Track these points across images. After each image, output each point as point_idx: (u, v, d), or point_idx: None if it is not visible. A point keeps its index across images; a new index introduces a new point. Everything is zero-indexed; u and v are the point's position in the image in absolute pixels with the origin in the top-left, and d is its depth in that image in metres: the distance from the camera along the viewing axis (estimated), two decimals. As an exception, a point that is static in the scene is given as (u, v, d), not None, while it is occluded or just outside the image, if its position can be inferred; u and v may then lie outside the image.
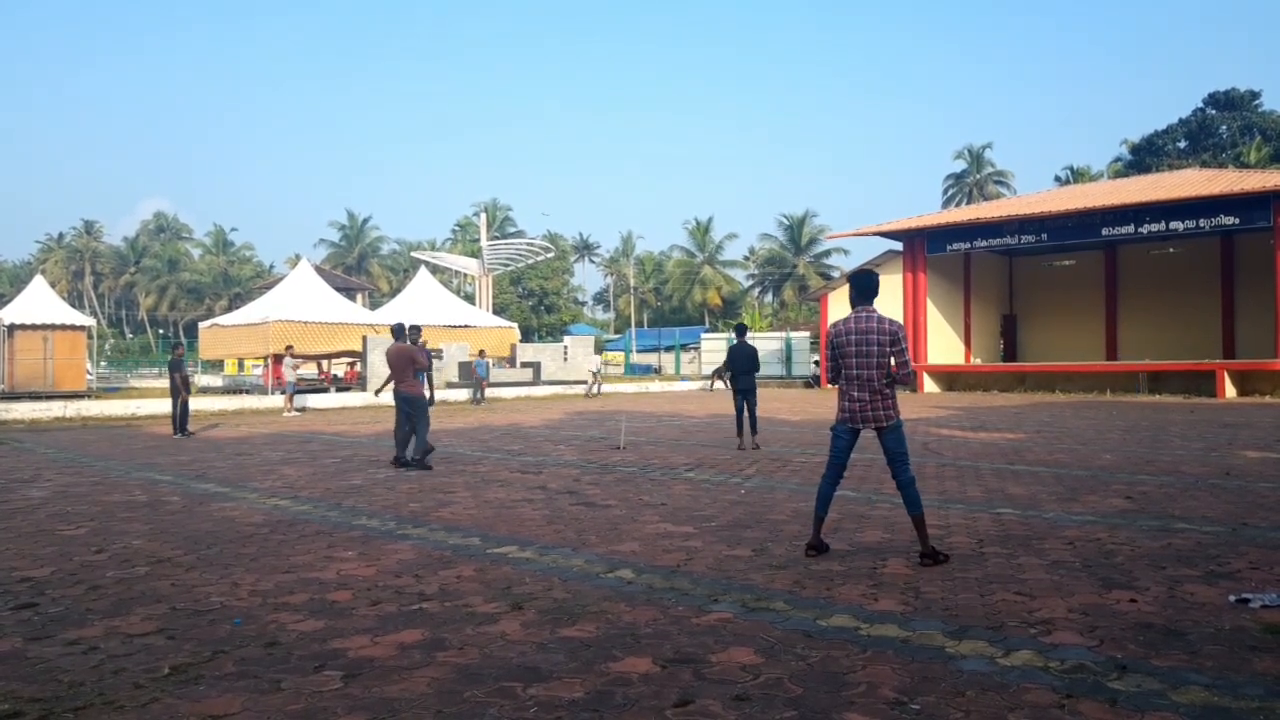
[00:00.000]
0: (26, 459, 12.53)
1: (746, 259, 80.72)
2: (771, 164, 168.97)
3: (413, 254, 65.46)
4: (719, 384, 37.06)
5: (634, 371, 52.72)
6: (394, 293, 57.76)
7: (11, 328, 25.84)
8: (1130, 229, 27.52)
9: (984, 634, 4.18)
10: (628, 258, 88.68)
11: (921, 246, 31.38)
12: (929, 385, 31.32)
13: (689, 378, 44.37)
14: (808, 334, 45.59)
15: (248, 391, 29.11)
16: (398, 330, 11.34)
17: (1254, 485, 8.68)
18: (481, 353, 28.43)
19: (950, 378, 32.09)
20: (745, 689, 3.53)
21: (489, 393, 27.71)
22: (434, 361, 13.75)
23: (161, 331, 76.39)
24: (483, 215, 53.62)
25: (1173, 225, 26.77)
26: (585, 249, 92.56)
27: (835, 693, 3.49)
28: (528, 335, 60.04)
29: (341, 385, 30.34)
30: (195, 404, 19.62)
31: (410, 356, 10.99)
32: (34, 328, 25.95)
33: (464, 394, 27.65)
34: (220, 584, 5.30)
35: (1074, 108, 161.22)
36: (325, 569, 5.64)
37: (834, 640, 4.13)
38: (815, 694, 3.47)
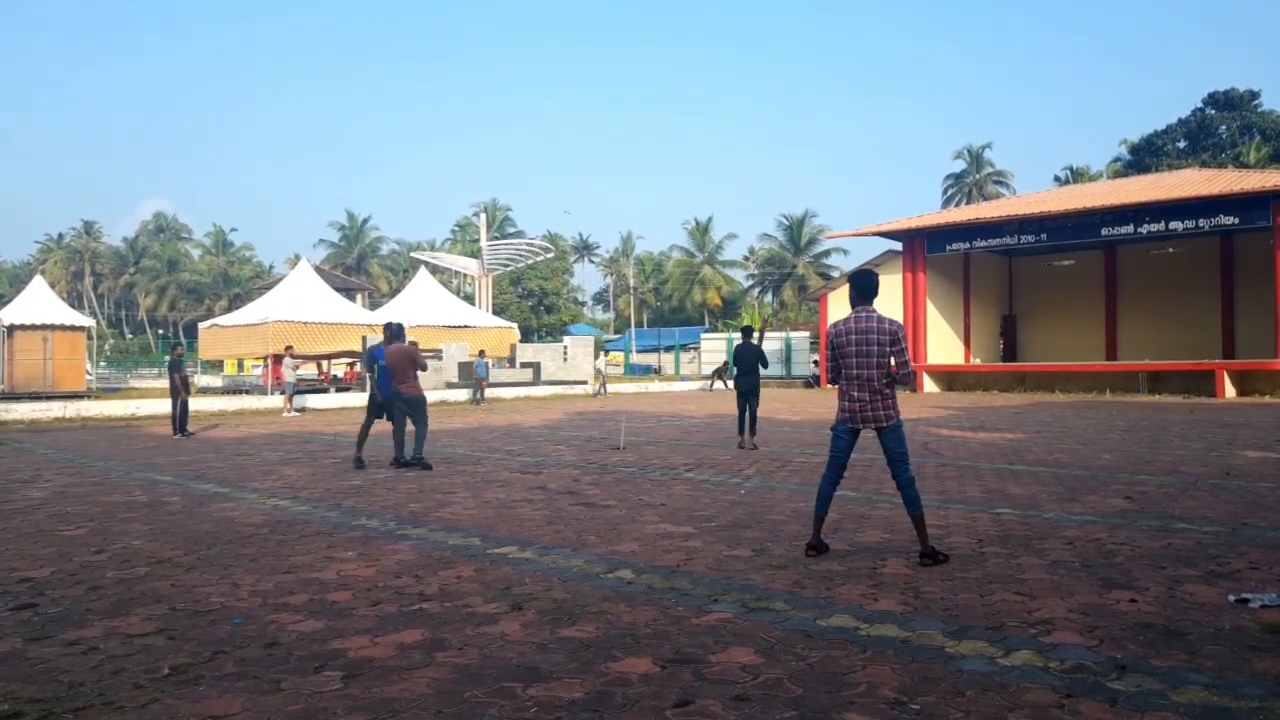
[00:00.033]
0: (26, 459, 12.53)
1: (746, 259, 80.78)
2: (771, 164, 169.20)
3: (412, 254, 65.45)
4: (719, 384, 37.17)
5: (633, 372, 52.74)
6: (394, 293, 57.73)
7: (11, 328, 25.84)
8: (1130, 229, 27.53)
9: (984, 634, 4.18)
10: (627, 258, 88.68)
11: (921, 246, 31.39)
12: (929, 385, 31.33)
13: (689, 378, 44.39)
14: (807, 334, 45.60)
15: (247, 392, 29.10)
16: (397, 330, 11.28)
17: (1254, 485, 8.68)
18: (481, 353, 28.42)
19: (950, 378, 32.09)
20: (745, 689, 3.53)
21: (489, 393, 27.71)
22: (430, 362, 13.75)
23: (161, 332, 76.36)
24: (482, 215, 53.65)
25: (1172, 225, 26.79)
26: (585, 249, 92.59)
27: (835, 693, 3.49)
28: (527, 335, 60.03)
29: (341, 385, 30.35)
30: (195, 404, 19.61)
31: (411, 356, 10.98)
32: (34, 328, 25.94)
33: (464, 394, 27.66)
34: (220, 584, 5.30)
35: (1074, 108, 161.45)
36: (325, 569, 5.64)
37: (834, 640, 4.13)
38: (815, 694, 3.47)
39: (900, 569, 5.47)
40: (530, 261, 52.24)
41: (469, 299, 47.20)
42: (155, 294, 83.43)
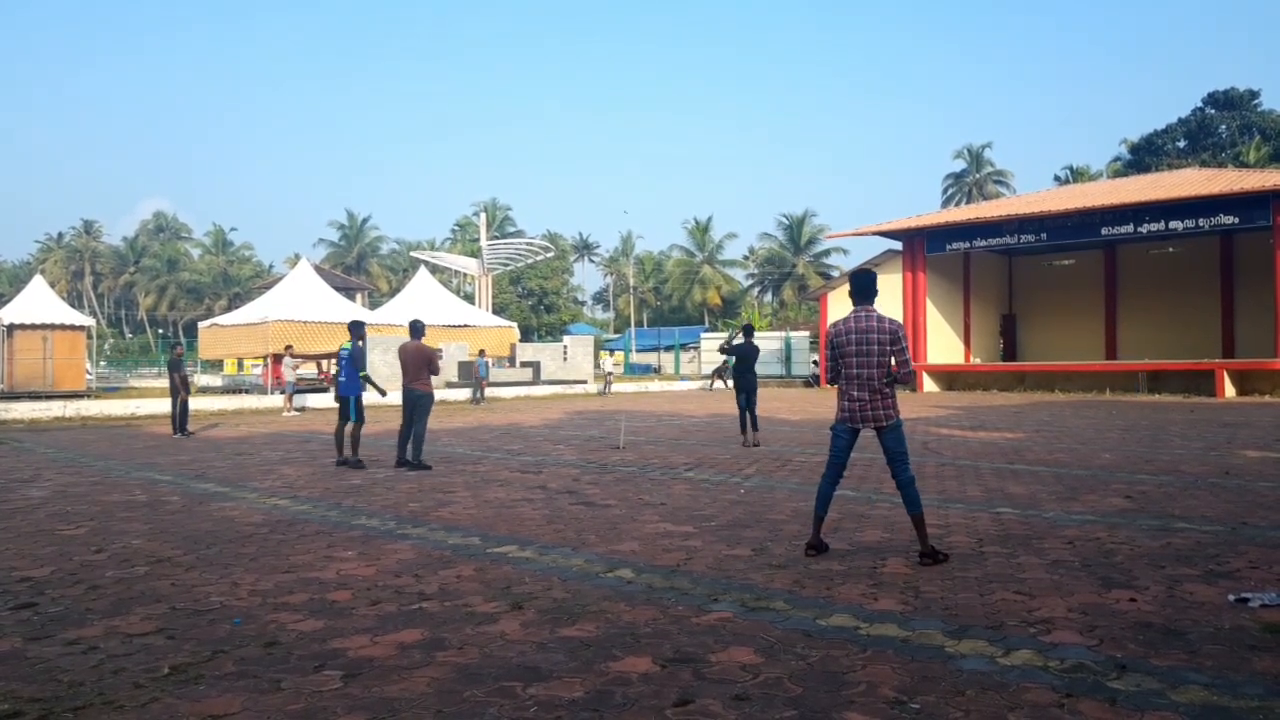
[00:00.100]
0: (26, 459, 12.53)
1: (746, 259, 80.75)
2: (771, 164, 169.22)
3: (412, 254, 65.43)
4: (719, 383, 37.18)
5: (633, 371, 52.71)
6: (393, 292, 57.74)
7: (11, 327, 25.84)
8: (1130, 228, 27.53)
9: (984, 633, 4.18)
10: (627, 257, 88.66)
11: (921, 246, 31.39)
12: (929, 385, 31.33)
13: (689, 377, 44.40)
14: (807, 333, 45.60)
15: (247, 391, 29.10)
16: (417, 328, 11.27)
17: (1253, 484, 8.68)
18: (481, 352, 28.43)
19: (950, 377, 32.09)
20: (745, 688, 3.53)
21: (488, 392, 27.73)
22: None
23: (161, 331, 76.39)
24: (482, 215, 53.63)
25: (1172, 225, 26.78)
26: (585, 249, 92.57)
27: (835, 692, 3.49)
28: (527, 335, 60.05)
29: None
30: (195, 404, 19.61)
31: (426, 356, 11.00)
32: (33, 327, 25.94)
33: (464, 393, 27.66)
34: (220, 584, 5.30)
35: (1074, 107, 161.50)
36: (325, 569, 5.64)
37: (834, 640, 4.13)
38: (815, 693, 3.47)
39: (900, 568, 5.47)
40: (530, 261, 52.24)
41: (469, 298, 47.21)
42: (155, 293, 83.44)
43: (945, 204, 69.81)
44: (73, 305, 42.00)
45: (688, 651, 3.98)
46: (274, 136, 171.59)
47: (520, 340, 37.24)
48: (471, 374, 27.67)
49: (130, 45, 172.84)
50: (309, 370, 33.27)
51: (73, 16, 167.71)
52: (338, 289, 36.77)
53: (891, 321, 5.69)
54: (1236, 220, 25.83)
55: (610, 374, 32.45)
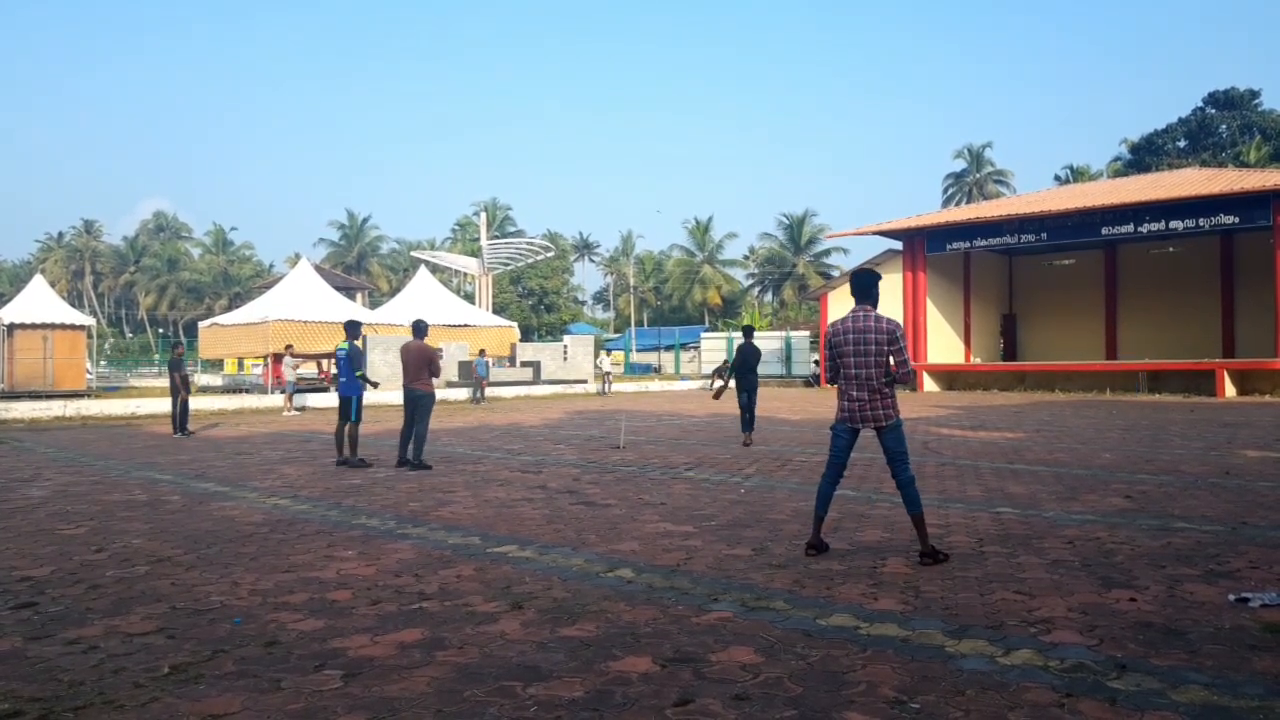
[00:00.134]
0: (26, 458, 12.53)
1: (746, 258, 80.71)
2: (771, 164, 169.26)
3: (412, 253, 65.44)
4: (719, 383, 37.09)
5: (634, 371, 52.69)
6: (394, 292, 57.76)
7: (11, 327, 25.84)
8: (1130, 228, 27.53)
9: (984, 633, 4.18)
10: (628, 257, 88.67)
11: (921, 246, 31.38)
12: (929, 384, 31.33)
13: (689, 377, 44.39)
14: (807, 333, 45.59)
15: (247, 391, 29.10)
16: (420, 328, 11.28)
17: (1253, 484, 8.68)
18: (481, 352, 28.43)
19: (950, 377, 32.09)
20: (745, 688, 3.53)
21: (489, 392, 27.73)
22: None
23: (161, 331, 76.41)
24: (482, 215, 53.61)
25: (1172, 224, 26.78)
26: (585, 248, 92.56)
27: (835, 692, 3.49)
28: (527, 334, 60.05)
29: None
30: (195, 403, 19.60)
31: (428, 356, 11.01)
32: (34, 327, 25.95)
33: (464, 393, 27.66)
34: (220, 583, 5.30)
35: (1074, 107, 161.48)
36: (325, 568, 5.64)
37: (834, 639, 4.13)
38: (815, 693, 3.47)
39: (900, 568, 5.47)
40: (530, 260, 52.23)
41: (469, 298, 47.22)
42: (155, 293, 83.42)
43: (945, 204, 69.79)
44: (73, 305, 42.01)
45: (688, 651, 3.98)
46: (274, 136, 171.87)
47: (520, 340, 37.25)
48: (471, 374, 27.68)
49: (130, 45, 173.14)
50: (309, 370, 33.28)
51: (73, 17, 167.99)
52: (338, 289, 36.77)
53: (889, 321, 5.68)
54: (1237, 220, 25.83)
55: (609, 373, 32.42)
